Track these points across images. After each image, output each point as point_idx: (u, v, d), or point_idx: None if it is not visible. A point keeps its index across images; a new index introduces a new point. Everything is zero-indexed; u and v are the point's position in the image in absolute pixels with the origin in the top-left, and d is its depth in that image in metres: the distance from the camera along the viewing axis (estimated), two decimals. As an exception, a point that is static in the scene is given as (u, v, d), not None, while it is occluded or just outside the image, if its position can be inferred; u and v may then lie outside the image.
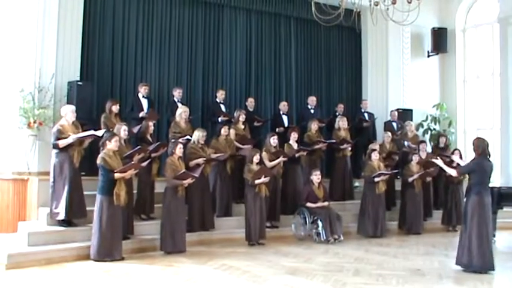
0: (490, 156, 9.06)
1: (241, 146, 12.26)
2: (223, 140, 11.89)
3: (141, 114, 12.00)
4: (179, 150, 10.28)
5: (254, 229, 10.93)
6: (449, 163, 11.19)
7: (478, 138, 9.25)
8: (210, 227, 11.38)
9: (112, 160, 9.28)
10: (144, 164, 10.05)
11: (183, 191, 10.16)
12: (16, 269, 8.43)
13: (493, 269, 8.70)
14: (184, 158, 10.78)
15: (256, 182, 10.93)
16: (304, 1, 14.92)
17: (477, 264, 8.67)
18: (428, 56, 17.83)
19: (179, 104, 12.46)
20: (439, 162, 10.00)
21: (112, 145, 9.37)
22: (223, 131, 11.90)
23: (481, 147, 8.92)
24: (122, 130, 10.27)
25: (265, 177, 11.00)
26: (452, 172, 9.58)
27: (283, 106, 14.23)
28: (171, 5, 13.95)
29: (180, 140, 11.20)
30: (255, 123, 13.46)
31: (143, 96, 12.36)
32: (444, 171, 10.22)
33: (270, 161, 11.83)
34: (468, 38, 17.94)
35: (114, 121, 11.07)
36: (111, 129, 10.50)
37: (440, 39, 17.52)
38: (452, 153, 13.05)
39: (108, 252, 9.15)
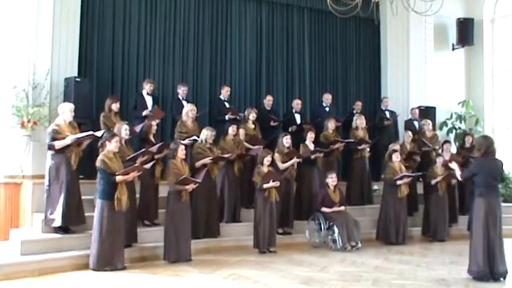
0: (495, 154, 8.92)
1: (251, 146, 12.19)
2: (230, 140, 11.83)
3: (145, 112, 11.93)
4: (181, 152, 10.21)
5: (263, 236, 10.85)
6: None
7: (482, 137, 9.28)
8: (216, 233, 11.30)
9: (112, 162, 9.22)
10: (148, 166, 9.97)
11: (187, 195, 10.08)
12: (7, 280, 8.35)
13: (506, 274, 8.68)
14: (190, 158, 10.76)
15: (265, 186, 10.86)
16: (319, -9, 14.86)
17: (484, 270, 8.60)
18: (453, 49, 17.67)
19: (184, 102, 12.42)
20: (454, 165, 9.81)
21: (112, 146, 9.30)
22: (231, 130, 11.85)
23: (483, 146, 8.81)
24: (123, 130, 10.17)
25: (273, 181, 10.92)
26: (459, 176, 9.45)
27: (297, 104, 14.14)
28: (176, -4, 13.93)
29: (187, 140, 11.18)
30: (272, 123, 13.42)
31: (148, 94, 12.33)
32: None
33: (283, 162, 11.74)
34: (497, 29, 17.76)
35: (114, 120, 10.99)
36: (111, 129, 10.43)
37: (466, 31, 17.33)
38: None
39: (108, 261, 9.09)
